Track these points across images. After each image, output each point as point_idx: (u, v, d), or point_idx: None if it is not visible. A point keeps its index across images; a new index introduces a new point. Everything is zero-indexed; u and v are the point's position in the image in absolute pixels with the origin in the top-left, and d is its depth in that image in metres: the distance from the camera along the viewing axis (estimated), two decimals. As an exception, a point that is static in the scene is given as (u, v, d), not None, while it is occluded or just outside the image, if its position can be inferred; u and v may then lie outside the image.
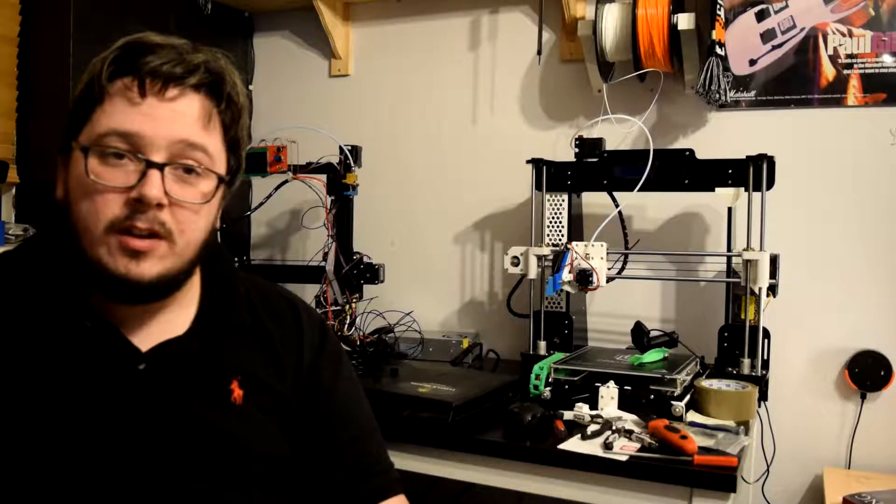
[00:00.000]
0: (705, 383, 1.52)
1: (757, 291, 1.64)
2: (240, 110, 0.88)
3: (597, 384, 1.51)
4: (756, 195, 1.65)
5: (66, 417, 0.80)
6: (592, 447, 1.30)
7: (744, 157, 1.67)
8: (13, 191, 2.00)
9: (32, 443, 0.78)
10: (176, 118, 0.81)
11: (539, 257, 1.80)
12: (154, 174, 0.79)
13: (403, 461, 1.39)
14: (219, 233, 1.98)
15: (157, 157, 0.80)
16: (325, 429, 0.97)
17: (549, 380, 1.58)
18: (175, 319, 0.89)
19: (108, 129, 0.79)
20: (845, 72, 1.87)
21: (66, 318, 0.83)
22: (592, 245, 1.72)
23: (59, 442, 0.79)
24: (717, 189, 1.72)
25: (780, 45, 1.93)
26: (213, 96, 0.85)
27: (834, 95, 1.89)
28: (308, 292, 2.07)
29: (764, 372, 1.69)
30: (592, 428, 1.37)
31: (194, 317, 0.91)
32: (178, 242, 0.82)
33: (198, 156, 0.83)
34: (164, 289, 0.84)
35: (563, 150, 2.08)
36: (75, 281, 0.84)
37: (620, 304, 2.05)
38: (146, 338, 0.86)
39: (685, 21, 1.82)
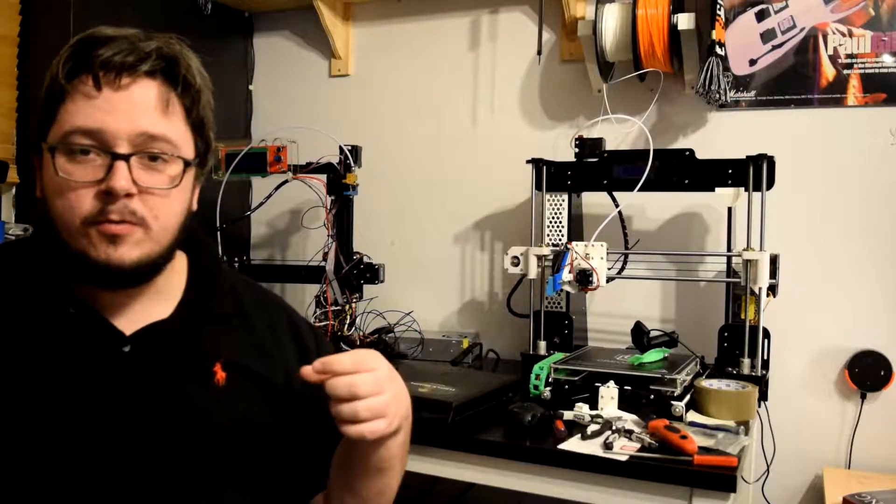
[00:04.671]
0: (705, 383, 1.52)
1: (757, 291, 1.64)
2: (198, 91, 0.88)
3: (597, 384, 1.51)
4: (756, 195, 1.65)
5: (52, 400, 0.82)
6: (592, 447, 1.30)
7: (744, 157, 1.66)
8: (13, 191, 2.00)
9: (18, 425, 0.80)
10: (134, 109, 0.82)
11: (539, 257, 1.80)
12: (120, 166, 0.81)
13: (403, 461, 1.39)
14: (218, 233, 1.99)
15: (122, 149, 0.81)
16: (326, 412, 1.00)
17: (549, 380, 1.58)
18: (158, 307, 0.91)
19: (72, 127, 0.81)
20: (845, 72, 1.87)
21: (50, 305, 0.85)
22: (592, 245, 1.72)
23: (44, 424, 0.81)
24: (717, 189, 1.72)
25: (780, 45, 1.93)
26: (169, 81, 0.85)
27: (834, 95, 1.89)
28: (308, 292, 2.07)
29: (764, 372, 1.69)
30: (592, 428, 1.36)
31: (178, 303, 0.93)
32: (153, 227, 0.84)
33: (160, 145, 0.84)
34: (146, 272, 0.86)
35: (563, 150, 2.08)
36: (58, 271, 0.86)
37: (620, 304, 2.05)
38: (130, 323, 0.88)
39: (685, 21, 1.82)
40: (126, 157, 0.81)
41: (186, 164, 0.87)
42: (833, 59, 1.88)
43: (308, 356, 1.00)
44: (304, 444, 0.98)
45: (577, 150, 1.86)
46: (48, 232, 0.85)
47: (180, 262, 0.95)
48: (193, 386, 0.89)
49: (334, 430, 0.96)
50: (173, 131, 0.85)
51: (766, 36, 1.94)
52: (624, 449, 1.28)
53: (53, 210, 0.83)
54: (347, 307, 1.97)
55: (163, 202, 0.85)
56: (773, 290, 1.68)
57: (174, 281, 0.93)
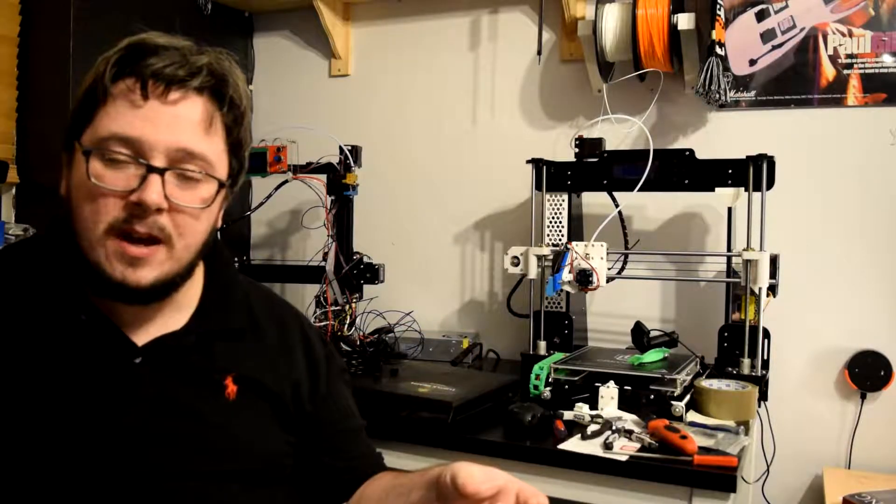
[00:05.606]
0: (705, 383, 1.52)
1: (757, 291, 1.64)
2: (242, 113, 0.87)
3: (597, 384, 1.51)
4: (756, 195, 1.65)
5: (62, 409, 0.81)
6: (592, 447, 1.30)
7: (744, 157, 1.67)
8: (13, 191, 2.00)
9: (28, 434, 0.79)
10: (177, 123, 0.81)
11: (539, 257, 1.80)
12: (154, 179, 0.79)
13: (403, 461, 1.39)
14: (219, 233, 1.99)
15: (158, 162, 0.80)
16: (334, 428, 1.01)
17: (549, 380, 1.58)
18: (172, 317, 0.90)
19: (110, 132, 0.79)
20: (845, 72, 1.87)
21: (63, 312, 0.84)
22: (592, 245, 1.72)
23: (54, 433, 0.80)
24: (717, 189, 1.72)
25: (780, 45, 1.93)
26: (216, 99, 0.84)
27: (834, 95, 1.89)
28: (308, 292, 2.07)
29: (764, 372, 1.69)
30: (592, 428, 1.36)
31: (192, 315, 0.91)
32: (176, 246, 0.82)
33: (197, 163, 0.83)
34: (163, 291, 0.84)
35: (563, 150, 2.08)
36: (73, 276, 0.84)
37: (620, 304, 2.05)
38: (143, 333, 0.87)
39: (685, 21, 1.82)
40: (161, 171, 0.79)
41: (221, 185, 0.85)
42: (833, 59, 1.88)
43: (318, 370, 1.01)
44: (314, 459, 0.98)
45: (577, 150, 1.86)
46: (65, 233, 0.84)
47: (197, 271, 0.93)
48: (204, 399, 0.88)
49: (344, 443, 0.98)
50: (212, 151, 0.84)
51: (766, 36, 1.94)
52: (624, 449, 1.28)
53: (78, 213, 0.81)
54: (347, 307, 1.97)
55: (191, 221, 0.83)
56: (773, 290, 1.68)
57: (190, 292, 0.92)
